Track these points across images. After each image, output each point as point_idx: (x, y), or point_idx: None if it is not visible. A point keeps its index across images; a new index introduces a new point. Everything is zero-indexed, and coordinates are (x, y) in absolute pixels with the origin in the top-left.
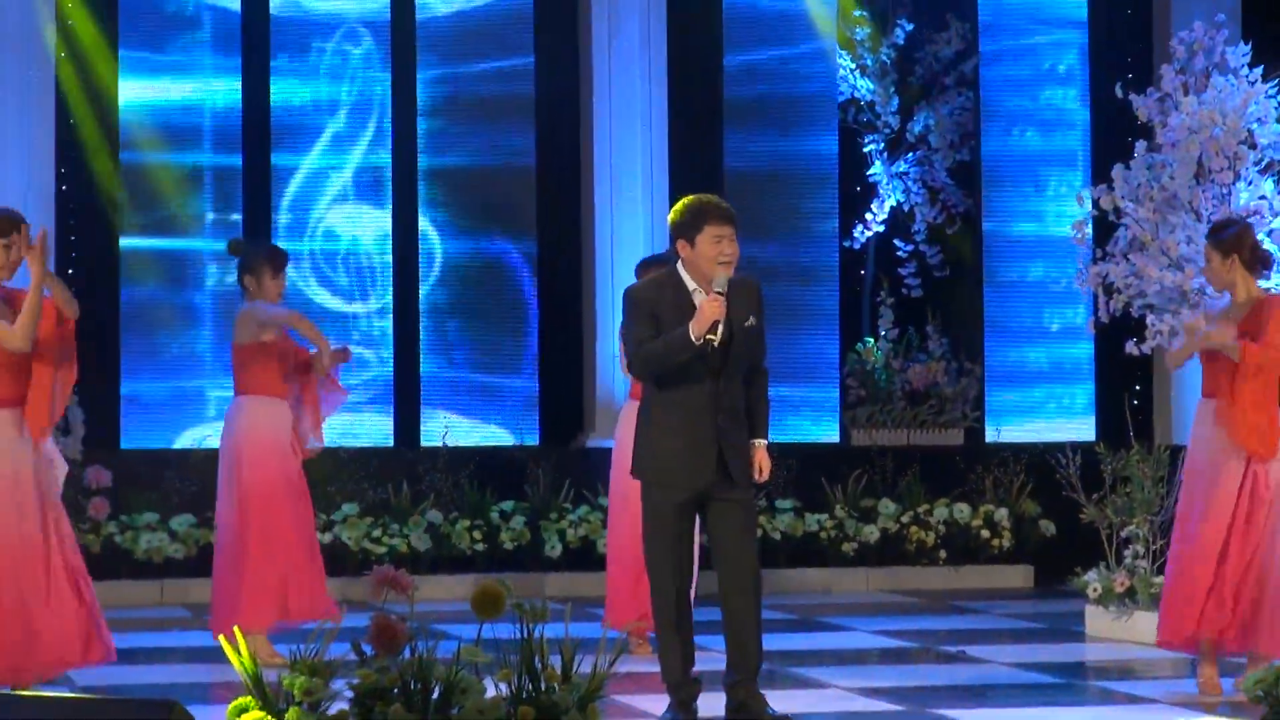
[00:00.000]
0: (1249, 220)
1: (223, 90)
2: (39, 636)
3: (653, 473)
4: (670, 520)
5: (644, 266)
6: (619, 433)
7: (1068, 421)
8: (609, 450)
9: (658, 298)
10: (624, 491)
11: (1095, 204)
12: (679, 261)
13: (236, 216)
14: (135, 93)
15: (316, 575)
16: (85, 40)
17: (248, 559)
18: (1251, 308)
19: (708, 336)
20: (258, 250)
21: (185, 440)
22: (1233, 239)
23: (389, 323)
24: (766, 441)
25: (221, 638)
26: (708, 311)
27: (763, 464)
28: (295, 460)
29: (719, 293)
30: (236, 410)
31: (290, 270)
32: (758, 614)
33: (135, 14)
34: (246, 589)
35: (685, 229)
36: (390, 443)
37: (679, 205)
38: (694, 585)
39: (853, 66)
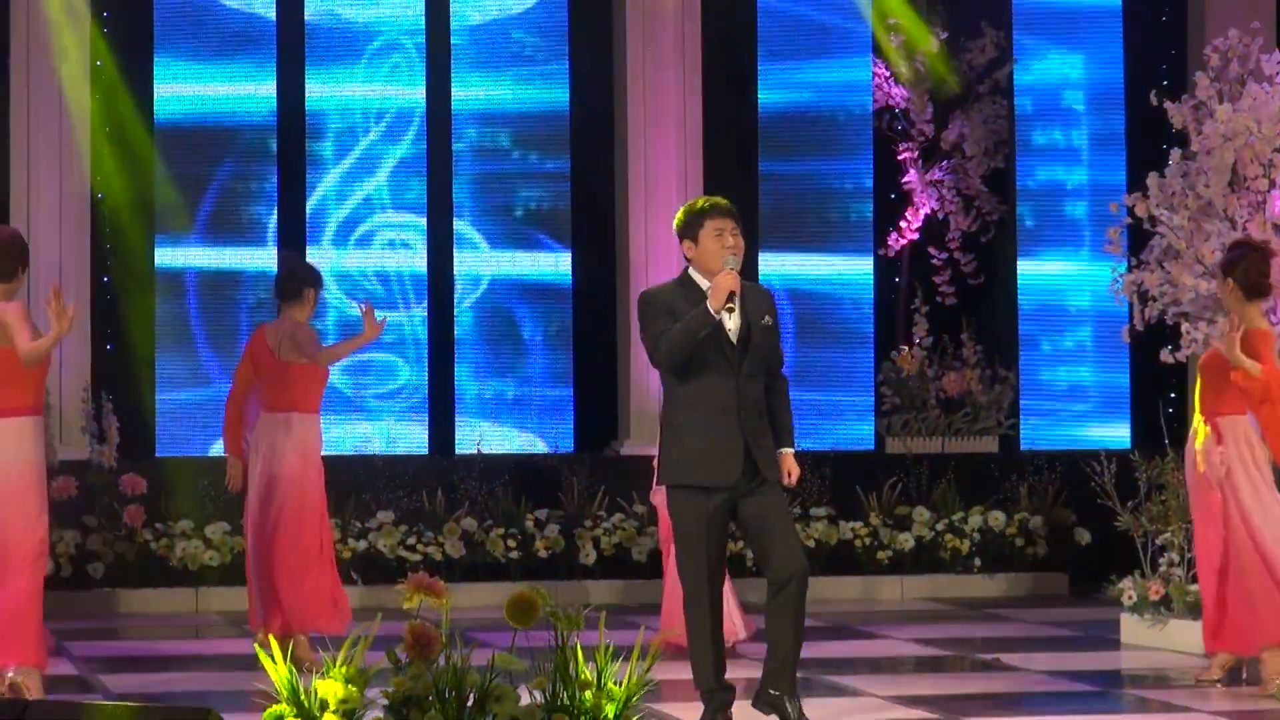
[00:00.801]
0: (1264, 244)
1: (259, 100)
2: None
3: (680, 475)
4: (701, 524)
5: None
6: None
7: (1102, 429)
8: (644, 458)
9: (672, 298)
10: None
11: (1130, 212)
12: (688, 266)
13: (272, 226)
14: (171, 104)
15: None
16: (121, 50)
17: (311, 566)
18: (1242, 337)
19: (727, 306)
20: (312, 267)
21: (220, 448)
22: (1228, 262)
23: (424, 331)
24: (793, 450)
25: (257, 645)
26: (722, 284)
27: (791, 470)
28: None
29: (731, 269)
30: (288, 426)
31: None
32: (799, 613)
33: (171, 23)
34: (312, 594)
35: (688, 229)
36: (425, 450)
37: (679, 210)
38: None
39: (887, 75)
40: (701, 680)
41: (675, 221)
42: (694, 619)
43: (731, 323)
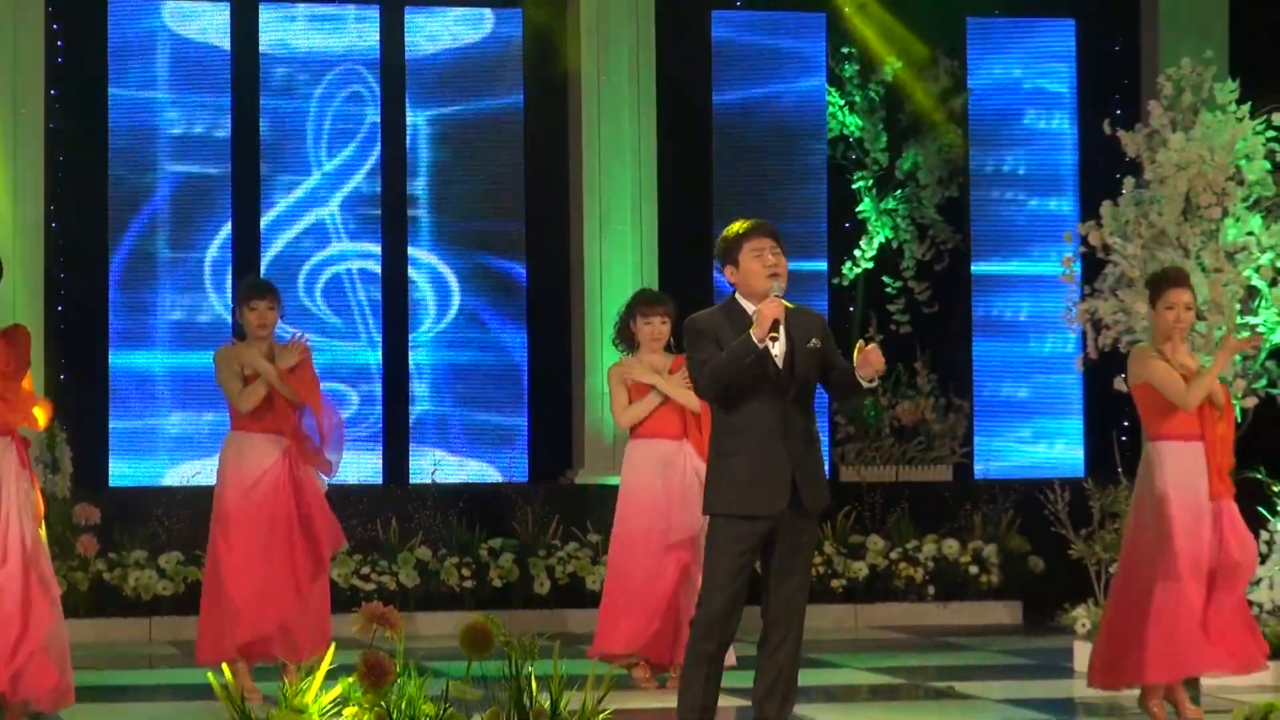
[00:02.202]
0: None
1: (213, 128)
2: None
3: (726, 504)
4: (737, 559)
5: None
6: (624, 475)
7: (1056, 457)
8: (598, 487)
9: (719, 324)
10: (626, 532)
11: (1083, 240)
12: (734, 291)
13: (226, 252)
14: (125, 131)
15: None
16: (75, 79)
17: (219, 589)
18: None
19: (770, 335)
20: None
21: (174, 477)
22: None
23: (378, 359)
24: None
25: (210, 675)
26: (766, 311)
27: (871, 357)
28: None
29: (776, 295)
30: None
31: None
32: (795, 654)
33: (125, 51)
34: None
35: (727, 255)
36: (379, 480)
37: (719, 238)
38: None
39: (841, 103)
40: (686, 711)
41: (715, 250)
42: (700, 649)
43: (777, 348)
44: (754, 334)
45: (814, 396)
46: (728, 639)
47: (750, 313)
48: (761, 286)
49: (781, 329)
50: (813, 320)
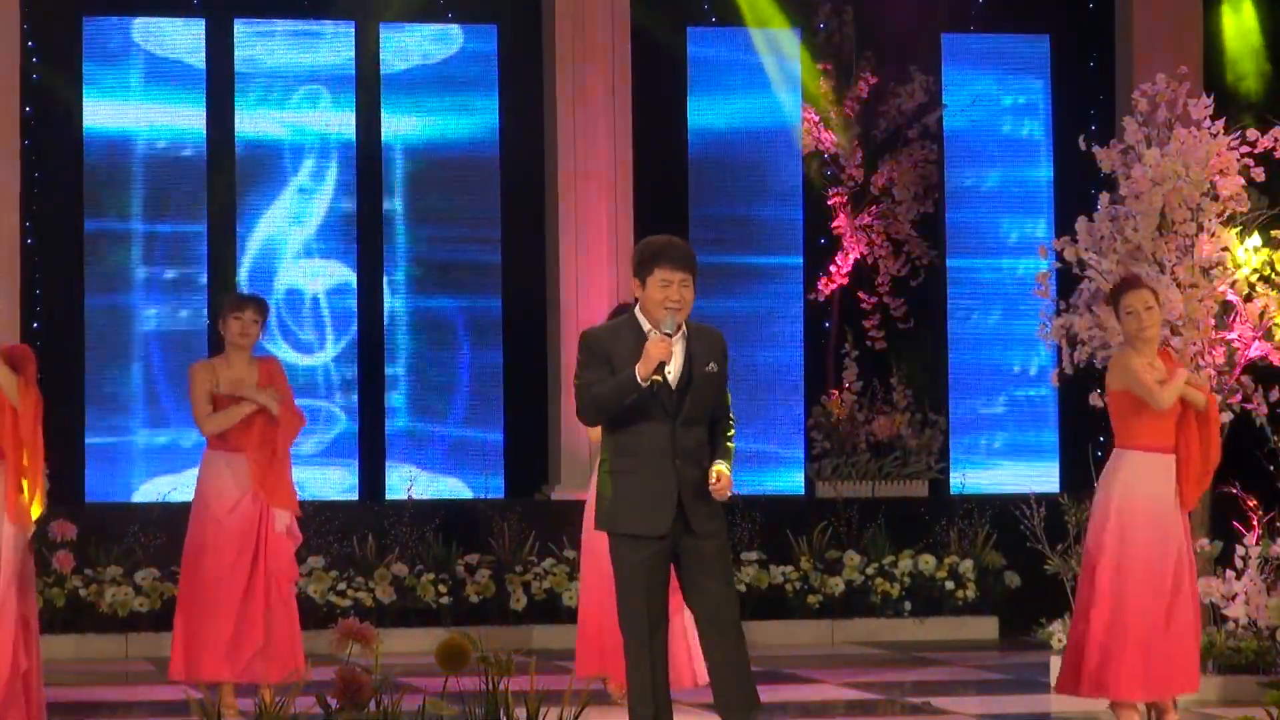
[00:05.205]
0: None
1: (187, 144)
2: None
3: (613, 522)
4: (638, 572)
5: (615, 314)
6: (591, 491)
7: (1032, 473)
8: (574, 503)
9: (613, 342)
10: (595, 548)
11: (1059, 256)
12: (637, 304)
13: (201, 268)
14: (99, 148)
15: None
16: (50, 94)
17: (197, 609)
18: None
19: (654, 378)
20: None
21: (149, 493)
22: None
23: (354, 375)
24: (727, 465)
25: (188, 694)
26: (653, 353)
27: (720, 476)
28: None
29: (667, 333)
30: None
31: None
32: (740, 657)
33: (100, 66)
34: (207, 639)
35: (639, 269)
36: (355, 496)
37: (639, 244)
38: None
39: (816, 120)
40: None
41: (633, 256)
42: (635, 672)
43: (671, 368)
44: (638, 371)
45: (707, 418)
46: (659, 656)
47: (646, 331)
48: (657, 317)
49: (665, 370)
50: (714, 343)
